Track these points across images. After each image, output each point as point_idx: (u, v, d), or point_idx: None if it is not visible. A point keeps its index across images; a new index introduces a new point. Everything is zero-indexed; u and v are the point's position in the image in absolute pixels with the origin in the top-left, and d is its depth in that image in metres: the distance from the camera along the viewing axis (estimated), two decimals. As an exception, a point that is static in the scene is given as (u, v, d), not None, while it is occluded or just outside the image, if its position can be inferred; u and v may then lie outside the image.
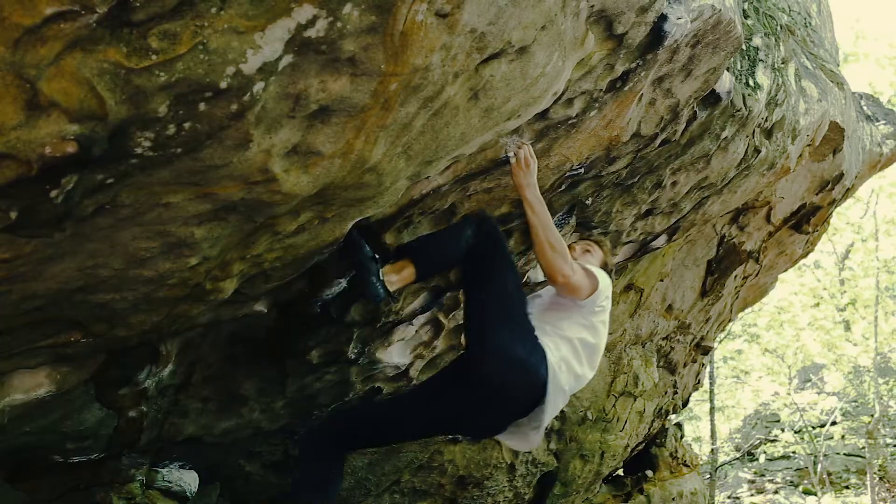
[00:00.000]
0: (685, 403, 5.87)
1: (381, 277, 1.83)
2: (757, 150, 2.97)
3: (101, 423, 2.06)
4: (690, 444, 7.88)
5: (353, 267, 1.86)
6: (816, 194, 4.23)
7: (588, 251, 2.14)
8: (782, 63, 2.86)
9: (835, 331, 9.58)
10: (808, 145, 3.48)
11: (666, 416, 5.44)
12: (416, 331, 2.60)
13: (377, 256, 1.84)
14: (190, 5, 0.99)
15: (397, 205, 1.82)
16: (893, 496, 8.93)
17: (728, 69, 2.44)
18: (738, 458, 10.75)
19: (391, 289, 1.86)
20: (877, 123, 4.76)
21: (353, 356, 2.44)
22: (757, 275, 4.81)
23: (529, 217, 1.82)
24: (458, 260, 1.90)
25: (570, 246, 2.14)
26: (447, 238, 1.91)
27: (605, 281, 1.92)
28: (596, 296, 1.87)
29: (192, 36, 1.01)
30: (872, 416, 9.02)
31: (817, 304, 9.72)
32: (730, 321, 5.57)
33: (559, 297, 1.93)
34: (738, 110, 2.58)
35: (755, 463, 10.85)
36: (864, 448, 9.21)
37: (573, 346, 1.86)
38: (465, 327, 1.89)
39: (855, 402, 9.88)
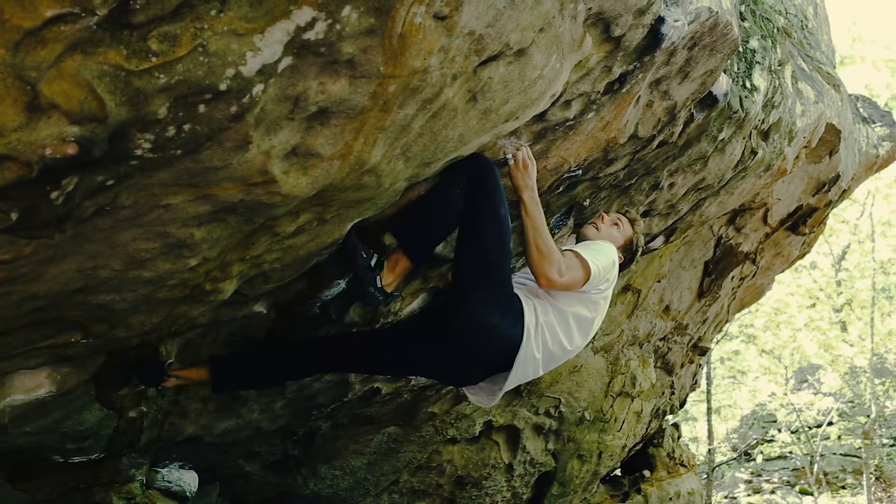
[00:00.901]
0: (682, 404, 5.88)
1: (379, 284, 1.83)
2: (754, 152, 2.98)
3: (102, 424, 2.07)
4: (687, 445, 7.90)
5: (352, 273, 1.87)
6: (813, 196, 4.25)
7: (616, 224, 2.12)
8: (779, 65, 2.88)
9: (831, 331, 9.61)
10: (805, 147, 3.50)
11: (663, 417, 5.45)
12: (415, 331, 2.60)
13: (372, 264, 1.83)
14: (189, 7, 0.99)
15: (396, 206, 1.82)
16: (889, 496, 8.97)
17: (725, 71, 2.45)
18: (735, 459, 10.77)
19: (389, 290, 1.86)
20: (873, 125, 4.78)
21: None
22: (754, 276, 4.83)
23: (523, 218, 1.82)
24: (454, 226, 1.85)
25: (600, 215, 2.15)
26: (433, 208, 1.82)
27: (604, 262, 1.88)
28: (592, 282, 1.85)
29: (191, 38, 1.01)
30: (869, 416, 9.06)
31: (814, 305, 9.75)
32: (727, 322, 5.59)
33: None
34: (735, 112, 2.60)
35: (752, 463, 10.89)
36: (860, 448, 9.24)
37: (564, 317, 1.85)
38: (451, 276, 1.89)
39: (851, 402, 9.92)
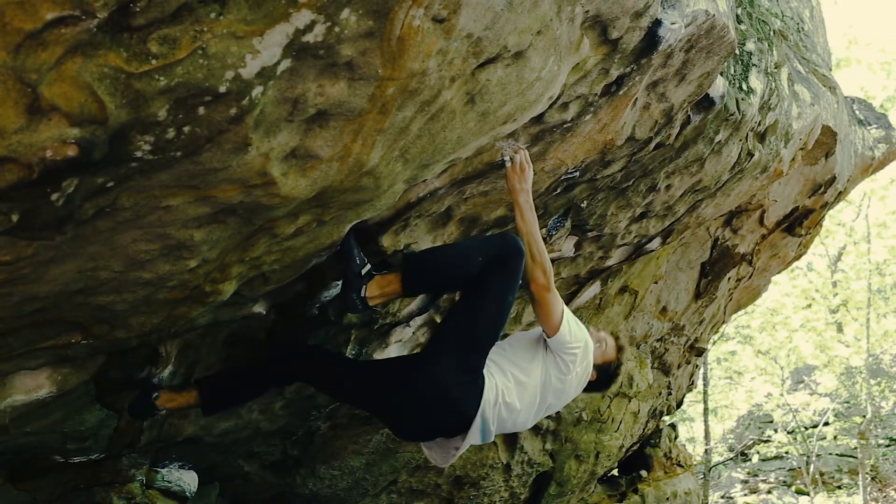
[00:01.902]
0: (679, 404, 5.90)
1: (363, 294, 1.84)
2: (750, 154, 3.00)
3: (102, 424, 2.07)
4: (684, 445, 7.92)
5: (342, 274, 1.88)
6: (809, 197, 4.27)
7: (599, 342, 2.06)
8: (775, 68, 2.90)
9: (827, 332, 9.64)
10: (801, 149, 3.51)
11: (660, 417, 5.47)
12: (413, 332, 2.61)
13: (363, 272, 1.84)
14: (189, 10, 1.00)
15: (394, 208, 1.83)
16: (885, 496, 9.01)
17: (722, 74, 2.47)
18: (731, 459, 10.80)
19: (372, 304, 1.85)
20: (868, 127, 4.81)
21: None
22: (750, 277, 4.85)
23: (518, 222, 1.83)
24: (456, 285, 1.86)
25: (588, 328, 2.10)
26: (451, 261, 1.85)
27: (577, 333, 1.88)
28: (560, 338, 1.84)
29: (191, 41, 1.02)
30: (864, 416, 9.09)
31: (810, 306, 9.78)
32: (723, 323, 5.61)
33: (532, 337, 1.94)
34: (732, 114, 2.61)
35: (748, 463, 10.91)
36: (856, 448, 9.27)
37: (522, 393, 1.86)
38: (433, 334, 1.91)
39: (847, 402, 9.95)
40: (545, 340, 1.89)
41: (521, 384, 1.86)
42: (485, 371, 1.81)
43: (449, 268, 1.84)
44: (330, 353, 2.18)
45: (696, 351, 5.37)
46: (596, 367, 2.03)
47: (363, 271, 1.84)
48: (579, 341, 1.89)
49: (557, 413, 4.16)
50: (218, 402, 2.03)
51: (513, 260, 1.78)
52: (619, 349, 2.10)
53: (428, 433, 1.90)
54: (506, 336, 2.08)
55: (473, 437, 1.84)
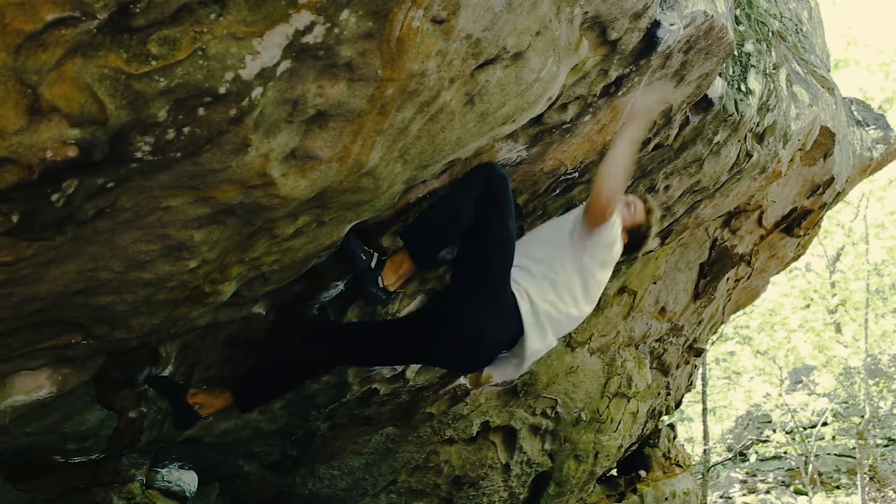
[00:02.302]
0: (678, 404, 5.91)
1: (381, 284, 1.84)
2: (749, 155, 3.00)
3: (102, 424, 2.07)
4: (683, 445, 7.93)
5: (353, 274, 1.88)
6: (807, 198, 4.27)
7: (629, 205, 2.06)
8: (774, 68, 2.90)
9: (825, 333, 9.66)
10: (800, 150, 3.52)
11: (659, 417, 5.47)
12: (412, 332, 2.61)
13: (373, 265, 1.84)
14: (189, 11, 1.00)
15: (394, 208, 1.83)
16: (884, 496, 9.02)
17: (720, 75, 2.47)
18: (730, 459, 10.82)
19: (392, 289, 1.86)
20: (867, 128, 4.82)
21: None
22: (749, 277, 4.85)
23: (628, 133, 1.81)
24: (461, 235, 1.85)
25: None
26: (445, 217, 1.84)
27: (615, 233, 1.88)
28: (603, 235, 1.84)
29: (191, 42, 1.02)
30: (863, 416, 9.10)
31: (808, 307, 9.80)
32: (722, 323, 5.61)
33: (562, 232, 1.92)
34: (731, 115, 2.62)
35: (747, 463, 10.93)
36: (854, 448, 9.29)
37: (564, 287, 1.85)
38: (449, 277, 1.91)
39: (845, 403, 9.97)
40: (577, 230, 1.87)
41: (555, 281, 1.85)
42: (513, 286, 1.79)
43: (447, 224, 1.83)
44: (354, 328, 2.11)
45: (695, 351, 5.38)
46: (626, 230, 2.03)
47: (372, 264, 1.84)
48: (615, 237, 1.90)
49: (556, 413, 4.16)
50: (253, 399, 2.01)
51: (499, 190, 1.78)
52: (648, 211, 2.09)
53: (482, 364, 1.91)
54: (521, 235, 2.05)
55: (534, 348, 1.83)
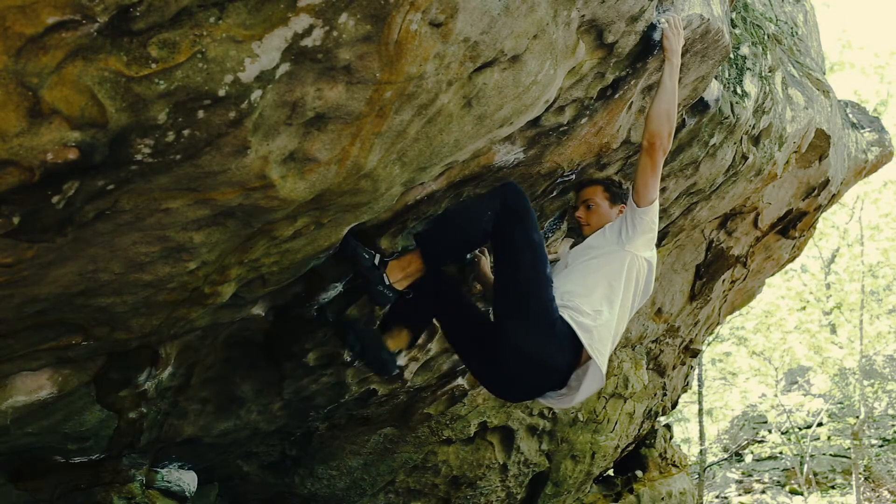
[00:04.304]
0: (674, 405, 5.93)
1: (387, 282, 1.82)
2: (744, 157, 3.02)
3: (102, 424, 2.07)
4: (679, 445, 7.95)
5: (357, 274, 1.87)
6: (803, 200, 4.30)
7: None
8: (769, 71, 2.92)
9: (821, 334, 9.69)
10: (795, 152, 3.54)
11: (655, 418, 5.49)
12: (410, 333, 2.61)
13: (376, 263, 1.83)
14: (189, 15, 1.01)
15: (392, 210, 1.84)
16: (878, 496, 9.07)
17: (716, 77, 2.49)
18: (726, 459, 10.85)
19: (400, 288, 1.83)
20: (862, 131, 4.85)
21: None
22: (744, 279, 4.87)
23: (666, 79, 1.83)
24: (476, 245, 1.84)
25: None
26: (462, 226, 1.83)
27: (657, 211, 1.90)
28: (650, 210, 1.85)
29: (190, 45, 1.03)
30: (858, 417, 9.14)
31: (804, 308, 9.84)
32: (718, 324, 5.63)
33: (600, 241, 1.92)
34: (726, 118, 2.63)
35: (743, 463, 10.97)
36: (849, 449, 9.34)
37: (614, 298, 1.84)
38: (493, 302, 1.89)
39: (840, 403, 10.01)
40: (627, 221, 1.87)
41: (608, 299, 1.84)
42: (561, 312, 1.77)
43: (462, 231, 1.83)
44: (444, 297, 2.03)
45: (691, 352, 5.39)
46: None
47: (375, 262, 1.82)
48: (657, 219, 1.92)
49: (553, 414, 4.18)
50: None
51: (519, 203, 1.80)
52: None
53: (534, 393, 1.89)
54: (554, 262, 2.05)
55: (597, 369, 1.79)
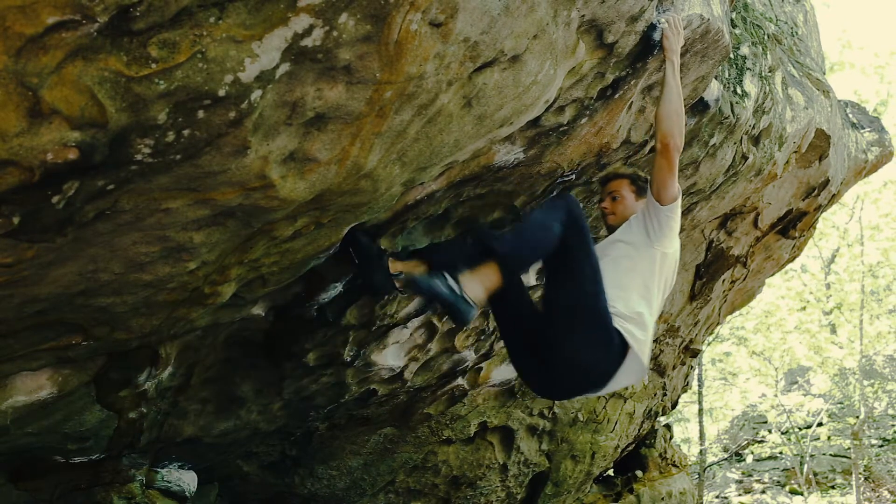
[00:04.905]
0: (674, 405, 5.93)
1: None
2: (744, 157, 3.02)
3: (102, 424, 2.07)
4: (679, 445, 7.95)
5: (361, 263, 1.86)
6: (803, 200, 4.29)
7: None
8: (769, 71, 2.92)
9: (821, 334, 9.69)
10: (795, 152, 3.54)
11: (655, 418, 5.49)
12: (411, 334, 2.62)
13: (382, 249, 1.85)
14: (189, 15, 1.01)
15: (392, 210, 1.84)
16: (878, 496, 9.07)
17: (716, 77, 2.49)
18: (726, 459, 10.85)
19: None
20: (862, 131, 4.84)
21: (348, 359, 2.45)
22: (744, 279, 4.87)
23: (669, 78, 1.86)
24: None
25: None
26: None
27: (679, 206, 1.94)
28: (675, 207, 1.90)
29: (190, 45, 1.03)
30: (858, 417, 9.14)
31: (804, 308, 9.84)
32: (718, 324, 5.63)
33: (629, 239, 1.95)
34: (727, 118, 2.63)
35: (743, 463, 10.97)
36: (849, 449, 9.34)
37: (651, 299, 1.90)
38: (546, 308, 1.90)
39: (840, 403, 10.01)
40: (651, 218, 1.91)
41: (650, 301, 1.90)
42: (617, 325, 1.81)
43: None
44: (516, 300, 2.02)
45: (691, 352, 5.39)
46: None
47: (381, 249, 1.83)
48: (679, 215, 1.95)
49: (554, 414, 4.18)
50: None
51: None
52: None
53: (590, 390, 1.95)
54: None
55: (639, 363, 1.85)
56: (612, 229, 2.11)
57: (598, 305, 1.81)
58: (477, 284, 1.77)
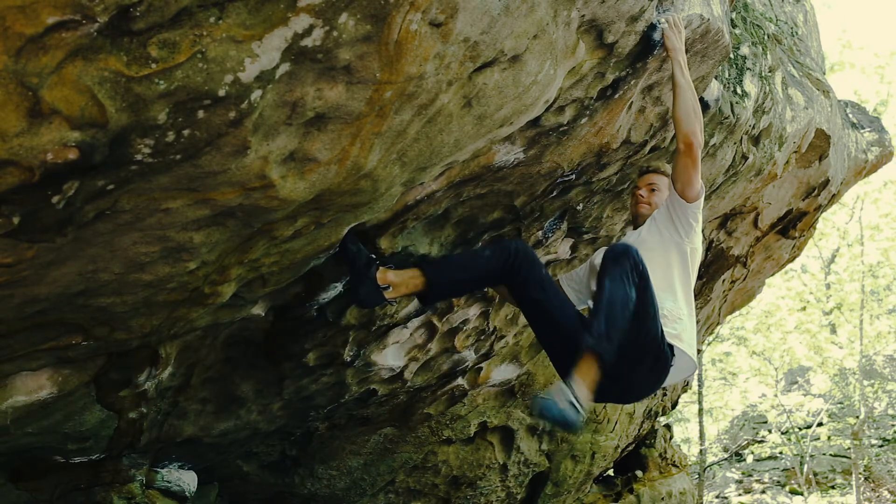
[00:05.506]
0: (674, 405, 5.93)
1: (379, 285, 1.86)
2: (744, 157, 3.02)
3: (102, 425, 2.07)
4: (679, 445, 7.95)
5: (350, 273, 1.88)
6: (803, 200, 4.29)
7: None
8: (769, 71, 2.92)
9: (821, 334, 9.69)
10: (795, 152, 3.54)
11: (655, 418, 5.49)
12: (411, 334, 2.62)
13: (374, 258, 1.86)
14: (189, 15, 1.01)
15: (392, 210, 1.84)
16: (878, 496, 9.07)
17: (716, 77, 2.49)
18: (726, 459, 10.85)
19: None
20: (862, 131, 4.84)
21: (348, 359, 2.46)
22: (744, 279, 4.87)
23: (679, 78, 1.88)
24: (487, 281, 1.93)
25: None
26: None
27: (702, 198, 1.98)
28: (700, 203, 1.93)
29: (190, 45, 1.03)
30: (857, 417, 9.15)
31: (804, 308, 9.84)
32: (718, 324, 5.63)
33: (653, 232, 2.00)
34: (727, 118, 2.63)
35: (743, 463, 10.98)
36: (849, 449, 9.34)
37: (689, 299, 1.97)
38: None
39: (840, 403, 10.01)
40: (676, 213, 1.95)
41: (690, 300, 1.98)
42: (672, 340, 1.88)
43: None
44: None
45: (691, 352, 5.39)
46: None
47: (371, 257, 1.86)
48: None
49: (553, 414, 4.17)
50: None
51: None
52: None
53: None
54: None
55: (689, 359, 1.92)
56: (637, 219, 2.16)
57: (658, 332, 1.86)
58: (583, 388, 1.70)
